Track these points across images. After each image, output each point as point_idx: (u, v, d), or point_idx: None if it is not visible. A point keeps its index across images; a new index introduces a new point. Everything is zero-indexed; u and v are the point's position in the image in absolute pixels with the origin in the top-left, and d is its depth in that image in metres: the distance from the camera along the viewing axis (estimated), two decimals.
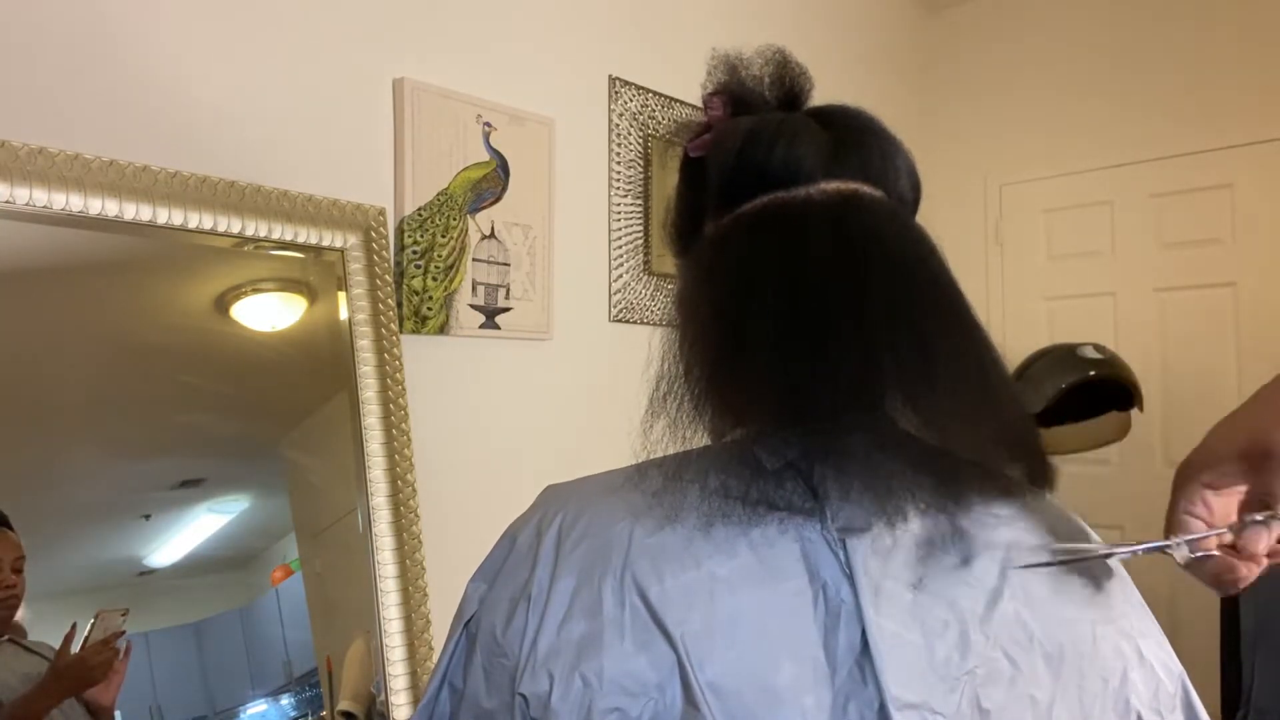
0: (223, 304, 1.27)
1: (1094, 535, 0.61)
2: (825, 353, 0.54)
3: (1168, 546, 0.51)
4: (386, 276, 1.44)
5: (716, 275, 0.61)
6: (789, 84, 0.65)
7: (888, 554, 0.52)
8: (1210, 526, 0.53)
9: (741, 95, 0.63)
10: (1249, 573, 0.51)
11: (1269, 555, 0.51)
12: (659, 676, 0.48)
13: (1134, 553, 0.52)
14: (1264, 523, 0.50)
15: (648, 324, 2.03)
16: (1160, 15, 2.77)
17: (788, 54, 0.65)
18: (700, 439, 0.59)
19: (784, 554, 0.51)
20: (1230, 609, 1.88)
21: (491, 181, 1.67)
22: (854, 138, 0.61)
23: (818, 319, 0.55)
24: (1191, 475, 0.54)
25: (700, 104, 0.65)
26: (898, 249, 0.58)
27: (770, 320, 0.56)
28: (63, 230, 1.10)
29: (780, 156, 0.59)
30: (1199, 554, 0.52)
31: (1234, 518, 0.53)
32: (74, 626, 1.05)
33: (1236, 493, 0.53)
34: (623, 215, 1.99)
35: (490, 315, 1.68)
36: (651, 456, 0.57)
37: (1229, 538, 0.51)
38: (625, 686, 0.48)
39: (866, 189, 0.60)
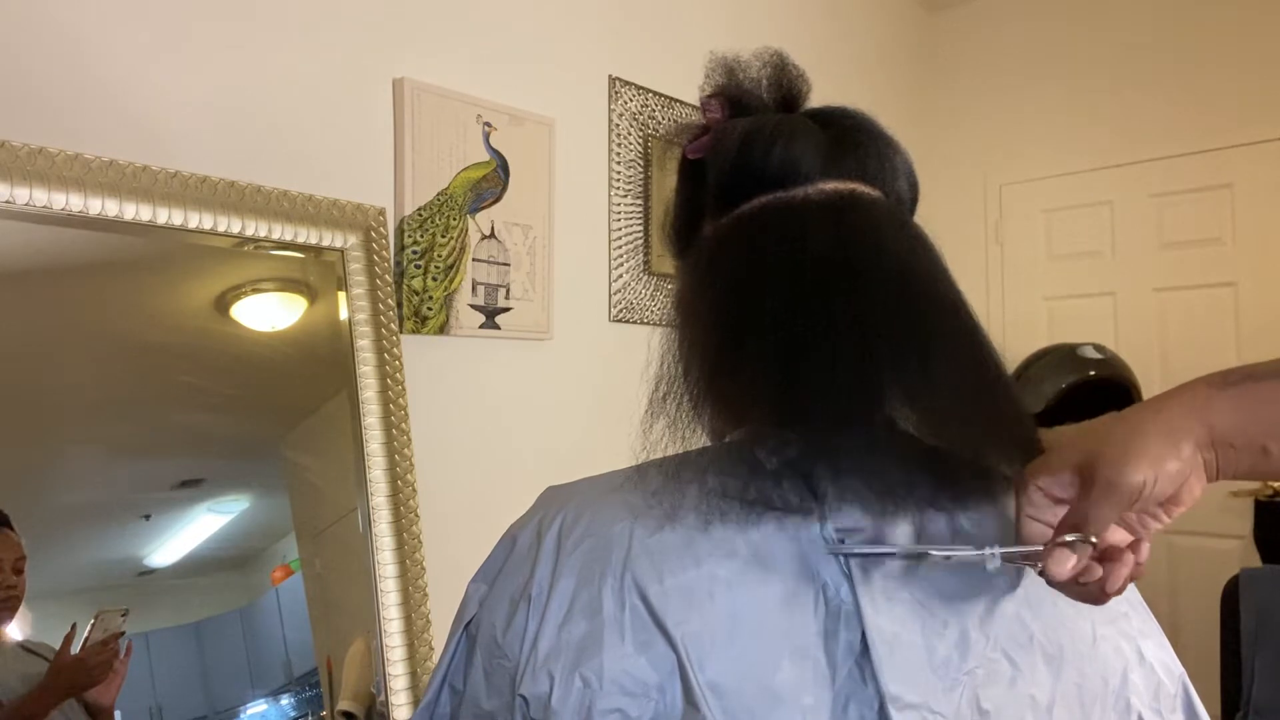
0: (223, 304, 1.27)
1: None
2: (824, 352, 0.54)
3: (981, 555, 0.50)
4: (386, 276, 1.44)
5: (715, 276, 0.61)
6: (786, 86, 0.65)
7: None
8: (1052, 529, 0.52)
9: (739, 97, 0.64)
10: (1110, 582, 0.49)
11: (1087, 577, 0.49)
12: (659, 677, 0.48)
13: (946, 557, 0.50)
14: (1070, 545, 0.48)
15: (648, 324, 2.03)
16: (1160, 16, 2.77)
17: (785, 56, 0.65)
18: (700, 439, 0.59)
19: (783, 554, 0.51)
20: (1230, 609, 1.88)
21: (491, 181, 1.67)
22: (851, 138, 0.61)
23: (816, 319, 0.55)
24: (1029, 480, 0.52)
25: (699, 105, 0.65)
26: (895, 248, 0.58)
27: (769, 320, 0.56)
28: (63, 230, 1.10)
29: (778, 157, 0.59)
30: (1022, 564, 0.51)
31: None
32: (74, 626, 1.05)
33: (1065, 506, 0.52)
34: (623, 215, 1.99)
35: (490, 315, 1.68)
36: (651, 457, 0.57)
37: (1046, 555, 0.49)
38: (625, 687, 0.48)
39: (864, 189, 0.60)
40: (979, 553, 0.50)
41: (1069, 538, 0.48)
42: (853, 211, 0.58)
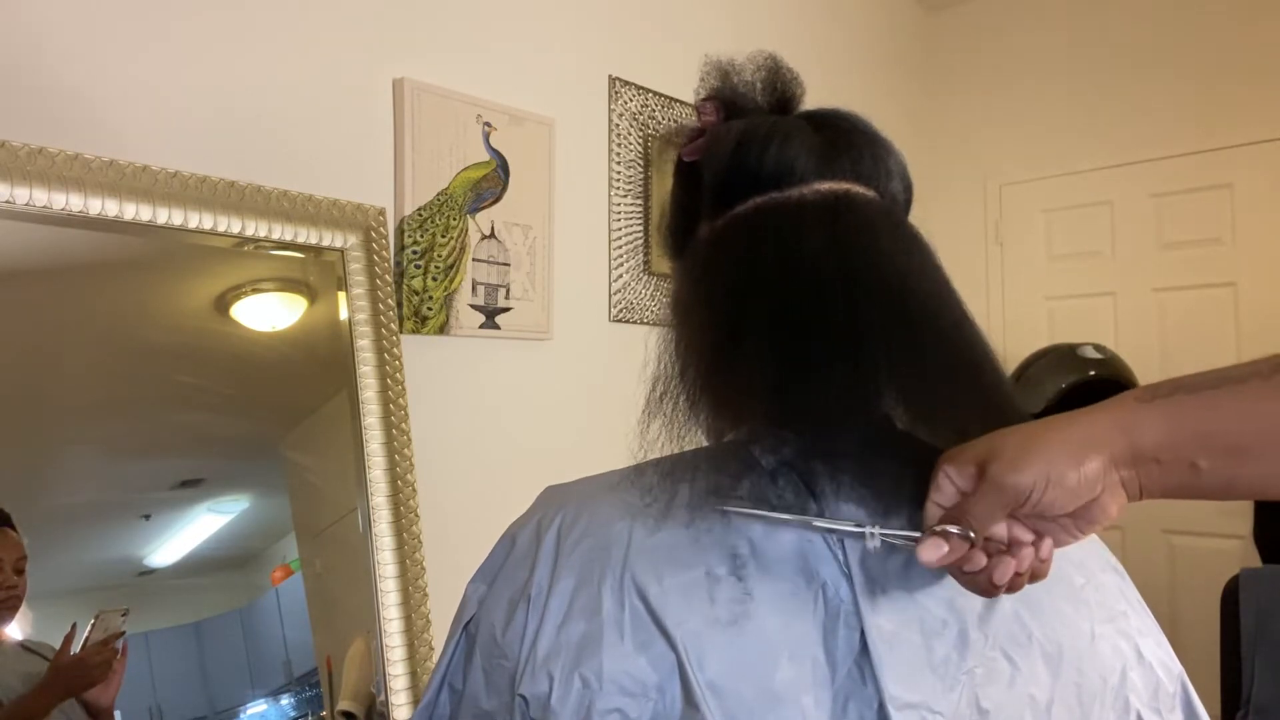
0: (223, 304, 1.27)
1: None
2: (820, 352, 0.54)
3: (863, 531, 0.49)
4: (386, 276, 1.44)
5: (711, 277, 0.61)
6: (781, 88, 0.65)
7: (886, 553, 0.52)
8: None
9: (734, 99, 0.64)
10: (997, 574, 0.47)
11: (970, 566, 0.48)
12: (659, 677, 0.48)
13: (834, 531, 0.50)
14: (942, 534, 0.47)
15: (647, 324, 2.03)
16: (1160, 15, 2.77)
17: (779, 59, 0.66)
18: (696, 439, 0.59)
19: (782, 553, 0.51)
20: (1230, 609, 1.88)
21: (491, 181, 1.67)
22: (845, 139, 0.61)
23: (812, 319, 0.55)
24: (940, 465, 0.51)
25: (694, 107, 0.66)
26: (890, 249, 0.58)
27: (765, 320, 0.56)
28: (63, 230, 1.10)
29: (773, 158, 0.59)
30: (902, 546, 0.50)
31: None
32: (74, 626, 1.05)
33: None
34: (623, 215, 1.99)
35: (490, 315, 1.68)
36: (649, 456, 0.58)
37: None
38: (625, 687, 0.48)
39: (858, 189, 0.60)
40: (861, 529, 0.50)
41: (950, 528, 0.48)
42: (847, 212, 0.59)
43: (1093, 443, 0.47)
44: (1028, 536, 0.49)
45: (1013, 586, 0.48)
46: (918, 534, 0.49)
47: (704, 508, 0.52)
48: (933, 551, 0.47)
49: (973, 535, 0.47)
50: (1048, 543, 0.49)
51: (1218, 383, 0.47)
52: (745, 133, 0.60)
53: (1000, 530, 0.49)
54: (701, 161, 0.63)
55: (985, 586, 0.49)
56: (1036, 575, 0.49)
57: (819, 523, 0.50)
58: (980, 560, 0.48)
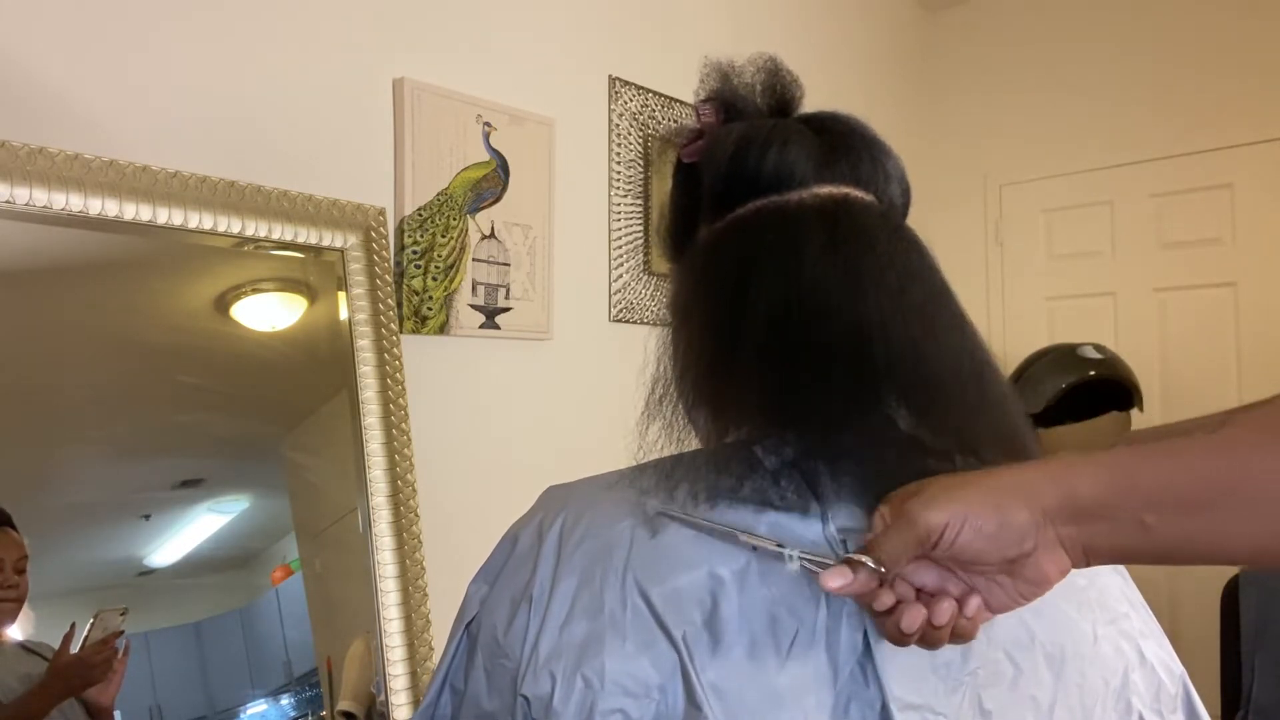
0: (223, 304, 1.27)
1: None
2: (819, 355, 0.54)
3: (783, 553, 0.48)
4: (386, 276, 1.44)
5: (710, 279, 0.61)
6: (780, 91, 0.65)
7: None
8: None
9: (733, 101, 0.64)
10: (904, 620, 0.45)
11: (878, 605, 0.46)
12: (661, 677, 0.48)
13: (754, 548, 0.50)
14: (849, 562, 0.46)
15: (647, 324, 2.02)
16: (1160, 15, 2.77)
17: (779, 62, 0.66)
18: (696, 441, 0.59)
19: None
20: (1230, 609, 1.88)
21: (491, 181, 1.67)
22: (844, 143, 0.61)
23: (811, 322, 0.55)
24: (878, 508, 0.50)
25: (694, 109, 0.66)
26: (889, 252, 0.58)
27: (764, 323, 0.56)
28: (63, 230, 1.10)
29: (772, 162, 0.59)
30: (814, 569, 0.48)
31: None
32: (73, 626, 1.05)
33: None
34: (623, 215, 1.99)
35: (490, 315, 1.68)
36: (648, 458, 0.58)
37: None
38: (627, 687, 0.48)
39: (857, 193, 0.60)
40: (781, 549, 0.49)
41: (864, 559, 0.46)
42: (846, 216, 0.59)
43: (1020, 491, 0.45)
44: (955, 589, 0.47)
45: (929, 640, 0.46)
46: (831, 560, 0.47)
47: (707, 508, 0.52)
48: (834, 579, 0.45)
49: (881, 569, 0.46)
50: (974, 600, 0.47)
51: (1161, 436, 0.45)
52: (745, 136, 0.61)
53: (930, 578, 0.47)
54: (701, 164, 0.63)
55: (894, 633, 0.46)
56: (960, 634, 0.47)
57: (744, 538, 0.50)
58: (886, 600, 0.46)
